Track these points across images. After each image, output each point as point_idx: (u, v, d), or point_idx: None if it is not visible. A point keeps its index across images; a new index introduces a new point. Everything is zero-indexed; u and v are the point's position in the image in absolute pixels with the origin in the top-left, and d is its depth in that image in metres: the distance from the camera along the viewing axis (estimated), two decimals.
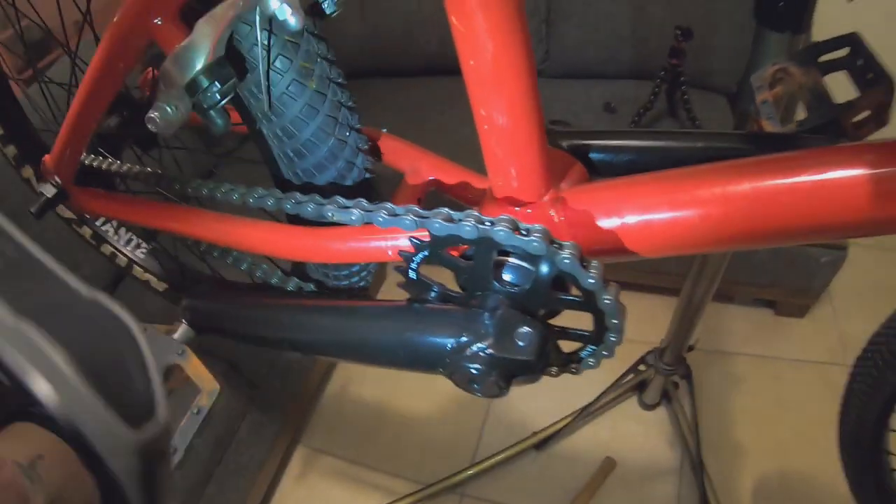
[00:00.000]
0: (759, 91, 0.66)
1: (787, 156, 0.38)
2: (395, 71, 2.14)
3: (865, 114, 0.56)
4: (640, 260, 0.41)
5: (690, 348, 1.39)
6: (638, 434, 1.61)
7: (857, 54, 0.58)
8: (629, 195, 0.39)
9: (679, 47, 1.61)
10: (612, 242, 0.40)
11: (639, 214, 0.39)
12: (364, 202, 0.43)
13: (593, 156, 0.49)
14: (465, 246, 0.40)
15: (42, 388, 0.22)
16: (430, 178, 0.50)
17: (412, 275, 0.44)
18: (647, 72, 1.79)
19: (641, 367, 1.53)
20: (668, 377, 1.50)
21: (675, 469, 1.53)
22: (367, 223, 0.42)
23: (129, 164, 0.66)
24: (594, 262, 0.39)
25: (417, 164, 0.51)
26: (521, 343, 0.39)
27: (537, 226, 0.37)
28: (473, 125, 0.40)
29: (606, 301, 0.39)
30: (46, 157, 0.65)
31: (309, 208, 0.45)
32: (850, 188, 0.35)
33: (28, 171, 0.81)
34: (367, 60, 2.11)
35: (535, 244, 0.37)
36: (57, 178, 0.66)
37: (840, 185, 0.35)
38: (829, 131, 0.57)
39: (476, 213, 0.38)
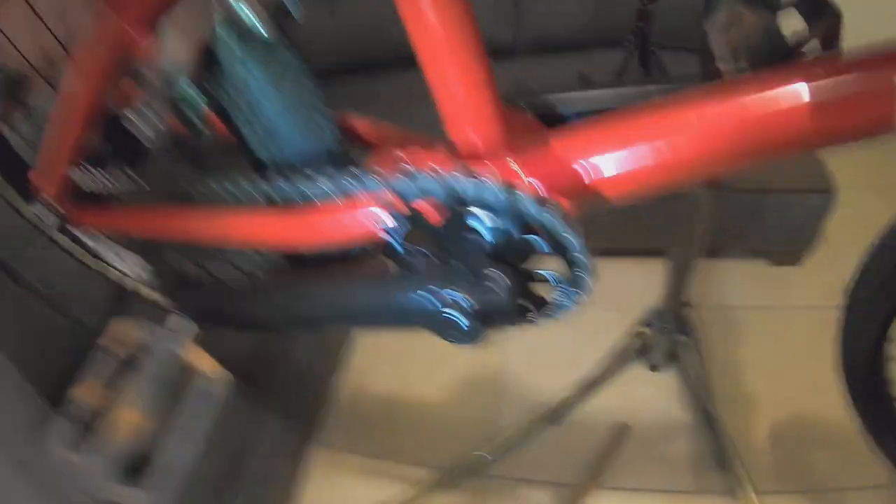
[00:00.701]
0: (713, 35, 0.68)
1: (732, 82, 0.40)
2: (366, 65, 2.12)
3: (815, 44, 0.58)
4: (607, 205, 0.43)
5: (688, 305, 1.41)
6: (648, 396, 1.63)
7: None
8: (585, 138, 0.41)
9: (645, 10, 1.63)
10: (572, 185, 0.42)
11: (596, 154, 0.41)
12: (330, 170, 0.46)
13: (555, 115, 0.52)
14: (441, 214, 0.43)
15: None
16: (398, 151, 0.52)
17: (397, 246, 0.47)
18: (618, 39, 1.79)
19: (644, 330, 1.54)
20: (671, 336, 1.52)
21: (689, 426, 1.56)
22: (341, 192, 0.45)
23: (121, 176, 0.68)
24: (552, 201, 0.41)
25: (384, 139, 0.54)
26: (493, 286, 0.41)
27: (489, 173, 0.40)
28: None
29: (566, 236, 0.41)
30: (32, 175, 0.67)
31: (281, 184, 0.47)
32: (789, 104, 0.37)
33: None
34: (337, 56, 2.09)
35: (490, 189, 0.39)
36: (53, 204, 0.68)
37: (779, 101, 0.37)
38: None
39: (433, 166, 0.41)
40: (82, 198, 0.75)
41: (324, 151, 0.54)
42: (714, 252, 1.82)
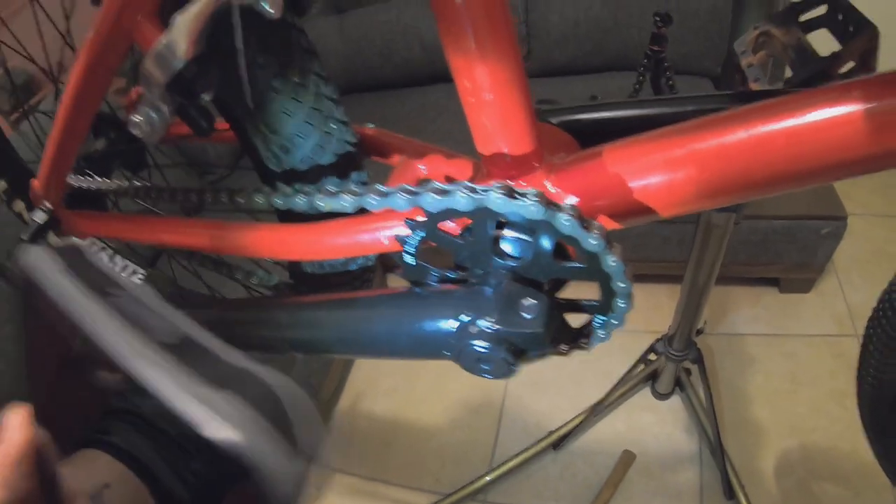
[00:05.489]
0: (743, 56, 0.66)
1: (781, 99, 0.37)
2: (379, 84, 2.13)
3: (851, 64, 0.55)
4: (650, 221, 0.40)
5: (699, 332, 1.38)
6: (654, 424, 1.60)
7: (835, 9, 0.58)
8: (626, 155, 0.38)
9: (660, 33, 1.60)
10: (612, 204, 0.38)
11: (638, 173, 0.37)
12: (353, 186, 0.42)
13: (585, 129, 0.48)
14: (463, 223, 0.39)
15: (228, 433, 0.28)
16: (420, 167, 0.49)
17: (410, 260, 0.43)
18: (630, 62, 1.79)
19: (651, 357, 1.51)
20: (679, 364, 1.49)
21: (695, 455, 1.52)
22: (359, 208, 0.41)
23: (118, 182, 0.65)
24: (595, 223, 0.37)
25: (406, 155, 0.51)
26: (527, 315, 0.38)
27: (531, 189, 0.36)
28: (467, 127, 0.39)
29: (612, 263, 0.37)
30: (34, 182, 0.65)
31: (299, 200, 0.44)
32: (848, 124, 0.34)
33: (19, 205, 0.81)
34: (349, 76, 2.11)
35: (531, 207, 0.36)
36: (47, 204, 0.65)
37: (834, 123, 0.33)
38: (816, 85, 0.57)
39: (468, 183, 0.37)
40: (79, 205, 0.72)
41: (339, 163, 0.51)
42: (722, 279, 1.80)
